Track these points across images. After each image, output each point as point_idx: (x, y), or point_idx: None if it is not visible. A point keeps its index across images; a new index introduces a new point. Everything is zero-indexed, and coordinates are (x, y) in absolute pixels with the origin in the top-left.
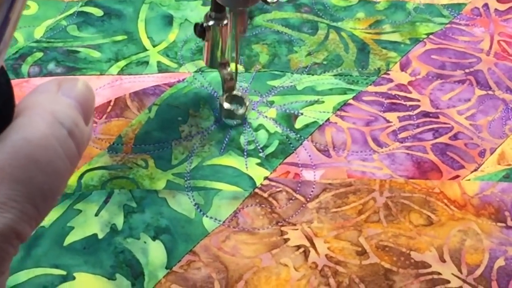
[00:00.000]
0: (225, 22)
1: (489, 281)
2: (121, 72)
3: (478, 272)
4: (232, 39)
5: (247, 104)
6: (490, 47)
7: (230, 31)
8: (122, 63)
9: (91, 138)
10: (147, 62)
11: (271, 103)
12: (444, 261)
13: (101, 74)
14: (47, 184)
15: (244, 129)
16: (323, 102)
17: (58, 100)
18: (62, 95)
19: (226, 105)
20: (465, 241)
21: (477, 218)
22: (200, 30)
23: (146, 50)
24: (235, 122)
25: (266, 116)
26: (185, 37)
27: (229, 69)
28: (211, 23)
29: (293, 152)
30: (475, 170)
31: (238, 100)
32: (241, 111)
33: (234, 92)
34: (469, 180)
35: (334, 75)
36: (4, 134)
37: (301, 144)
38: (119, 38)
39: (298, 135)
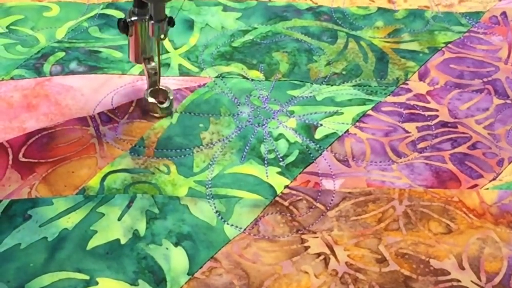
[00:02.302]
0: (146, 17)
1: None
2: (143, 72)
3: (497, 279)
4: (153, 37)
5: (171, 98)
6: (508, 56)
7: (152, 27)
8: None
9: None
10: (168, 64)
11: (291, 113)
12: (463, 268)
13: (122, 74)
14: None
15: (265, 138)
16: (342, 113)
17: None
18: None
19: (150, 99)
20: (484, 249)
21: (495, 227)
22: (123, 25)
23: (168, 52)
24: (162, 115)
25: (286, 126)
26: (206, 42)
27: (153, 64)
28: (134, 18)
29: (313, 161)
30: (494, 179)
31: (163, 94)
32: (165, 104)
33: (159, 86)
34: (487, 189)
35: (353, 86)
36: None
37: (321, 154)
38: None
39: (318, 145)
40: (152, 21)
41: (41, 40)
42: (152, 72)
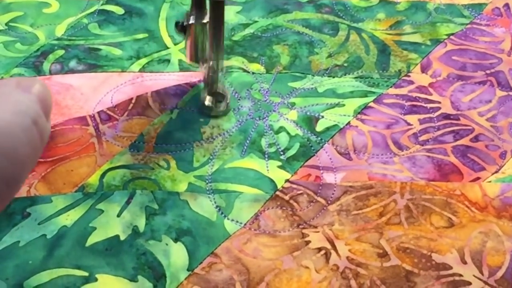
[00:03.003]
0: (205, 20)
1: (511, 283)
2: (143, 69)
3: (500, 273)
4: (212, 37)
5: (228, 101)
6: (511, 48)
7: (210, 28)
8: (143, 60)
9: (49, 134)
10: (168, 60)
11: (292, 105)
12: (465, 262)
13: (122, 71)
14: (10, 171)
15: (265, 131)
16: (344, 105)
17: (19, 93)
18: (22, 91)
19: (207, 102)
20: (486, 243)
21: (498, 220)
22: (181, 28)
23: (168, 48)
24: (217, 116)
25: (287, 119)
26: None
27: (210, 65)
28: (192, 21)
29: (314, 155)
30: (496, 172)
31: (219, 97)
32: (222, 107)
33: (216, 89)
34: (490, 182)
35: (355, 78)
36: None
37: (322, 147)
38: (140, 36)
39: (319, 138)
40: None
41: (40, 37)
42: (209, 75)
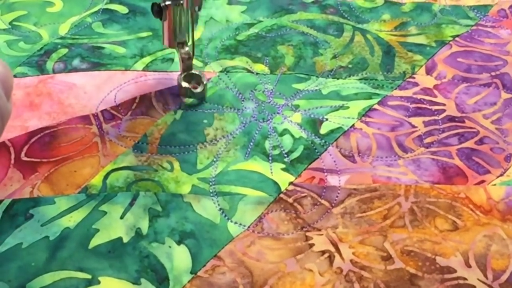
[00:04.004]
0: (181, 1)
1: None
2: (146, 68)
3: (504, 277)
4: (188, 17)
5: (204, 83)
6: None
7: (186, 8)
8: (147, 59)
9: (10, 114)
10: (172, 59)
11: (296, 107)
12: (469, 266)
13: (126, 70)
14: None
15: (269, 133)
16: (348, 107)
17: None
18: None
19: (184, 84)
20: (490, 246)
21: (503, 223)
22: (158, 9)
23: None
24: (195, 101)
25: (291, 121)
26: (210, 35)
27: (186, 48)
28: (168, 2)
29: (318, 157)
30: (501, 175)
31: (196, 79)
32: (199, 89)
33: (192, 71)
34: (494, 185)
35: (359, 79)
36: None
37: (326, 149)
38: (144, 34)
39: (323, 141)
40: None
41: (44, 36)
42: (186, 57)
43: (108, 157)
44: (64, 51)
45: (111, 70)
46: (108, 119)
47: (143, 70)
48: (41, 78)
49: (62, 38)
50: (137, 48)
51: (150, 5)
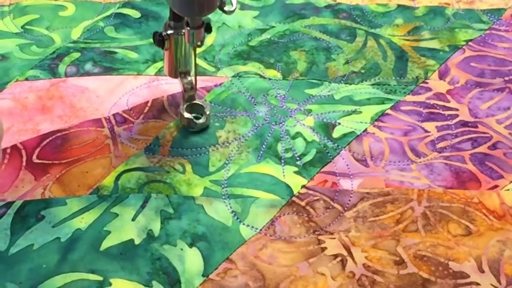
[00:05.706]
0: (183, 31)
1: None
2: (158, 73)
3: None
4: (190, 50)
5: (207, 113)
6: None
7: (188, 41)
8: (159, 64)
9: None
10: None
11: (309, 111)
12: (482, 271)
13: (138, 74)
14: None
15: (282, 136)
16: (360, 112)
17: None
18: None
19: (186, 115)
20: (504, 252)
21: None
22: (159, 39)
23: None
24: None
25: (304, 124)
26: (222, 41)
27: (189, 78)
28: (170, 32)
29: (331, 161)
30: None
31: (198, 110)
32: (201, 120)
33: (195, 101)
34: (508, 190)
35: (372, 85)
36: None
37: (338, 153)
38: None
39: (336, 145)
40: (188, 28)
41: (56, 40)
42: (188, 87)
43: (119, 158)
44: (76, 55)
45: (123, 75)
46: (120, 122)
47: (155, 75)
48: (53, 82)
49: (74, 42)
50: (149, 53)
51: (162, 9)
